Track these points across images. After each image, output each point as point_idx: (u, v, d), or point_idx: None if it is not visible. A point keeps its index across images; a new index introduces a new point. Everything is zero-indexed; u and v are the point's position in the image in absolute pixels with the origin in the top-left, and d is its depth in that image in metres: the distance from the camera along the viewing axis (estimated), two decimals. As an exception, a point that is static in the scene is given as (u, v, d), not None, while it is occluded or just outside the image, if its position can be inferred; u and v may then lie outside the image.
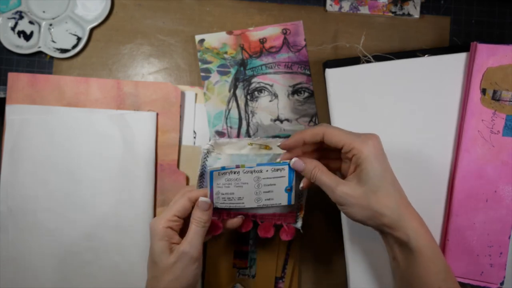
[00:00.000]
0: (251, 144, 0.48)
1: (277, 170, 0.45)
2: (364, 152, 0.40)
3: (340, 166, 0.45)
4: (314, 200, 0.53)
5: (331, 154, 0.46)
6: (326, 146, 0.45)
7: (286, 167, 0.45)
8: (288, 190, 0.46)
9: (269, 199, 0.47)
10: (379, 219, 0.40)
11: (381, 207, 0.40)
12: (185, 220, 0.45)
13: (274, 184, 0.46)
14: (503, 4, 0.58)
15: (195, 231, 0.44)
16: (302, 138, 0.43)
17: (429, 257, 0.40)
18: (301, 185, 0.46)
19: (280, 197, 0.47)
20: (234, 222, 0.49)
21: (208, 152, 0.49)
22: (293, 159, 0.44)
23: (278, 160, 0.46)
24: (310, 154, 0.46)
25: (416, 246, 0.40)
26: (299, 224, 0.49)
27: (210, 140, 0.50)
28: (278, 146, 0.45)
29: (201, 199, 0.45)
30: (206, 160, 0.49)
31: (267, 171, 0.45)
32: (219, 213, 0.48)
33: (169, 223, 0.44)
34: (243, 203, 0.47)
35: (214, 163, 0.49)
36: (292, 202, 0.47)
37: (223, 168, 0.45)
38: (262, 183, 0.46)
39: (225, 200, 0.47)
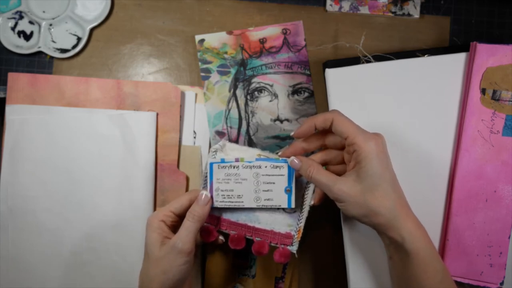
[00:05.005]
0: (259, 155, 0.48)
1: (276, 167, 0.46)
2: (365, 150, 0.40)
3: (343, 158, 0.46)
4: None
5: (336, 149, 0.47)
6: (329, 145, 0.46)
7: (286, 165, 0.46)
8: (288, 191, 0.46)
9: (268, 199, 0.47)
10: (374, 218, 0.41)
11: (377, 206, 0.40)
12: (181, 218, 0.45)
13: (273, 183, 0.46)
14: (503, 4, 0.58)
15: (188, 226, 0.43)
16: (313, 123, 0.44)
17: (425, 259, 0.40)
18: (312, 202, 0.46)
19: (280, 199, 0.47)
20: (219, 239, 0.49)
21: (215, 152, 0.48)
22: (291, 158, 0.45)
23: (278, 153, 0.47)
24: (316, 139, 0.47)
25: (411, 248, 0.40)
26: (294, 248, 0.47)
27: (220, 141, 0.50)
28: (292, 135, 0.45)
29: (202, 191, 0.45)
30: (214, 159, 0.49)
31: (266, 167, 0.46)
32: (218, 220, 0.49)
33: (163, 217, 0.44)
34: (242, 201, 0.47)
35: None
36: (293, 205, 0.46)
37: (222, 160, 0.46)
38: (261, 180, 0.46)
39: (224, 198, 0.47)
